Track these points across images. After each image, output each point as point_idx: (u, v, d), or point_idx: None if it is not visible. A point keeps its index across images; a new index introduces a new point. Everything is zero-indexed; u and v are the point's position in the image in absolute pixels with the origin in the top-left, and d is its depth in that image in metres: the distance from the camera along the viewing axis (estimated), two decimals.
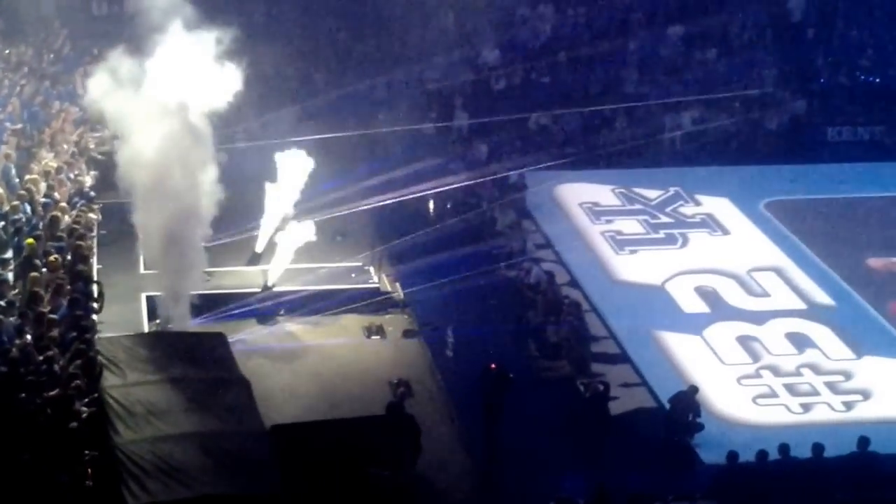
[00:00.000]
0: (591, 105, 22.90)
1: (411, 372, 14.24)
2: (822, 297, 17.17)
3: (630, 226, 19.47)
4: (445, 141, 21.38)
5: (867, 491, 12.40)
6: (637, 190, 20.74)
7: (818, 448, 12.45)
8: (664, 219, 19.82)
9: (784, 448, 12.42)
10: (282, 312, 15.53)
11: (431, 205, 19.08)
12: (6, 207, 14.64)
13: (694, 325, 16.24)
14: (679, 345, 15.71)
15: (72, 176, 16.55)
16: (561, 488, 12.45)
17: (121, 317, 14.32)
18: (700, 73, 24.02)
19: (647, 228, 19.47)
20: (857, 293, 17.28)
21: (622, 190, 20.79)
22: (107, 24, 22.93)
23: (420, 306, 15.94)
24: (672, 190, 20.74)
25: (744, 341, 15.84)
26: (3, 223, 14.32)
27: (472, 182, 19.82)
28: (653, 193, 20.65)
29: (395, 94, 22.20)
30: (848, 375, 15.08)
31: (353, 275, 16.39)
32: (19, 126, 17.82)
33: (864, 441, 12.51)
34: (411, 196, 18.48)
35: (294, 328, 15.34)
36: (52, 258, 13.38)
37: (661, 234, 19.30)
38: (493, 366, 13.10)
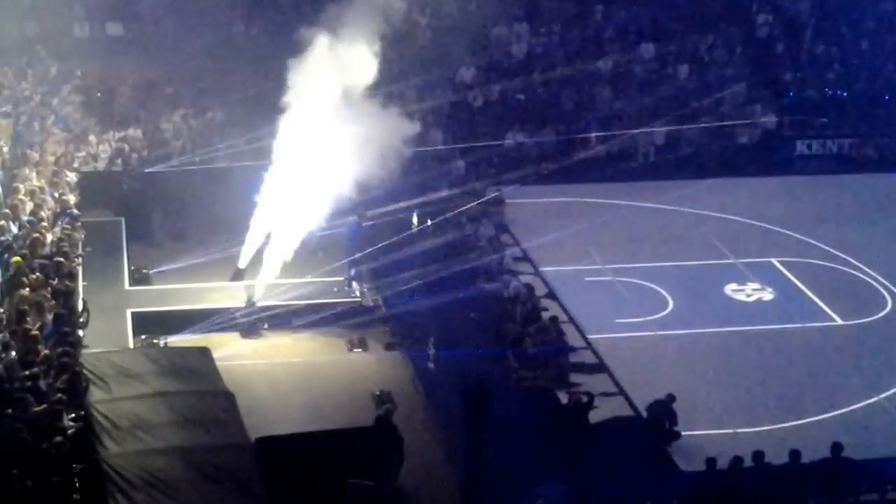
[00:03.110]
0: (565, 121, 23.31)
1: (393, 384, 14.41)
2: None
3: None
4: (424, 158, 21.68)
5: (840, 496, 12.70)
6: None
7: (793, 454, 12.77)
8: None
9: (758, 455, 12.71)
10: (265, 326, 15.73)
11: (415, 219, 19.36)
12: None
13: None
14: (655, 352, 16.05)
15: (56, 195, 16.69)
16: (541, 497, 12.67)
17: (106, 333, 14.46)
18: (672, 89, 24.50)
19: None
20: None
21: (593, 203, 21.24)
22: (89, 45, 23.18)
23: (401, 320, 16.16)
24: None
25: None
26: None
27: (451, 198, 20.17)
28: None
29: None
30: None
31: (336, 289, 16.61)
32: (4, 147, 17.97)
33: (837, 447, 12.84)
34: (392, 213, 18.78)
35: (277, 342, 15.52)
36: (33, 276, 13.50)
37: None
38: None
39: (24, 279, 13.45)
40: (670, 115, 23.56)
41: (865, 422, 14.43)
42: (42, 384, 11.55)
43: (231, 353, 14.83)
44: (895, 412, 14.67)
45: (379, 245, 17.70)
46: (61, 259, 14.19)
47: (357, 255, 16.68)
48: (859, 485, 12.78)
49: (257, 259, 16.70)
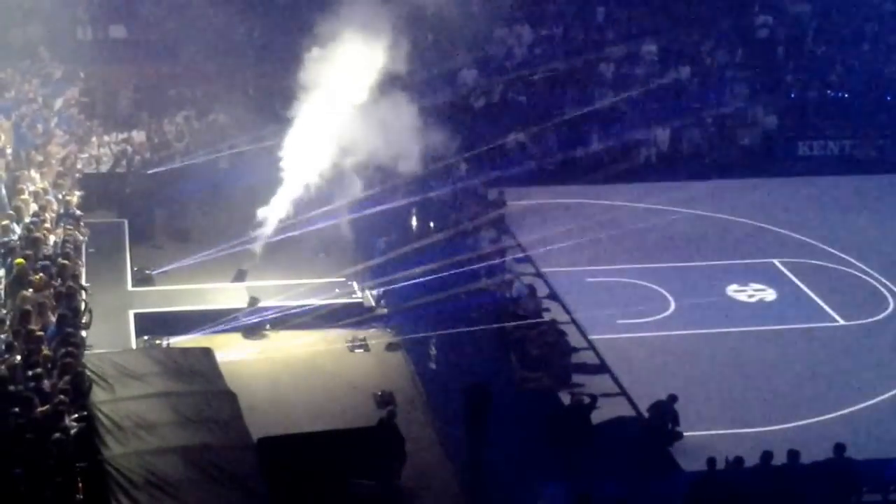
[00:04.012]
0: (566, 123, 23.34)
1: (395, 384, 14.47)
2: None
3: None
4: (425, 159, 21.72)
5: (843, 497, 12.72)
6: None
7: (794, 454, 12.79)
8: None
9: (766, 455, 12.70)
10: (268, 327, 15.77)
11: (414, 221, 19.41)
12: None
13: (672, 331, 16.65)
14: (657, 353, 16.08)
15: (59, 196, 16.75)
16: (543, 498, 12.70)
17: (109, 334, 14.48)
18: (674, 90, 24.53)
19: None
20: None
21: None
22: (92, 47, 23.26)
23: (402, 320, 16.21)
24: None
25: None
26: None
27: (452, 199, 20.21)
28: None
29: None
30: None
31: (337, 290, 16.66)
32: (8, 148, 18.03)
33: (839, 448, 12.86)
34: (393, 213, 18.84)
35: (279, 342, 15.55)
36: (37, 277, 13.54)
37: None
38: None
39: (28, 280, 13.50)
40: (672, 117, 23.59)
41: (868, 422, 14.44)
42: (45, 384, 11.59)
43: (233, 353, 14.90)
44: None
45: (380, 246, 17.79)
46: (66, 261, 14.24)
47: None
48: (862, 486, 12.79)
49: (261, 260, 16.77)
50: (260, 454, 11.56)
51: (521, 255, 19.20)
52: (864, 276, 18.85)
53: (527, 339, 15.69)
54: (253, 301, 15.92)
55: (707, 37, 25.81)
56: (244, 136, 20.38)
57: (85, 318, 13.76)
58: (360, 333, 15.79)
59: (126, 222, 18.60)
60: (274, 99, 22.49)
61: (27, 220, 15.27)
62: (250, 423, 12.12)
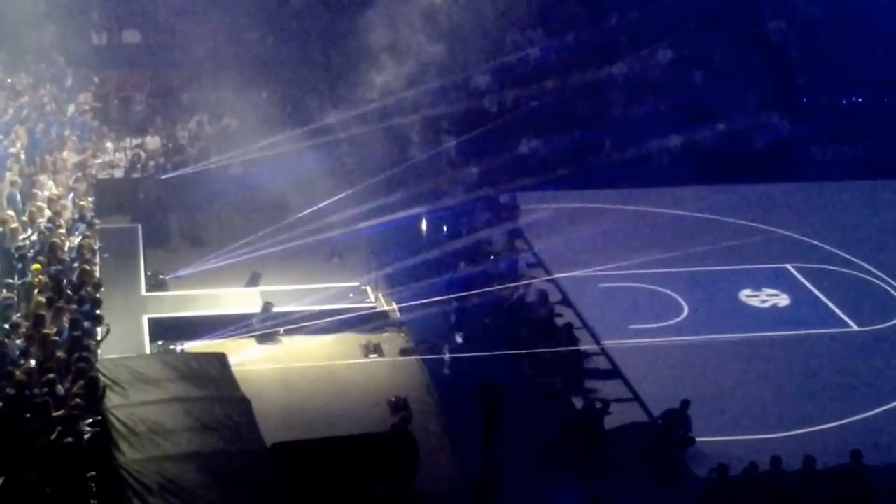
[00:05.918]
0: (579, 127, 23.33)
1: (409, 389, 14.47)
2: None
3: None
4: (439, 164, 21.75)
5: (860, 503, 12.70)
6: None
7: (809, 461, 12.75)
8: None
9: (775, 460, 12.69)
10: (281, 332, 15.81)
11: (424, 226, 19.45)
12: (12, 232, 14.93)
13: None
14: (669, 358, 16.05)
15: (74, 201, 16.84)
16: (556, 502, 12.71)
17: (123, 338, 14.55)
18: (687, 94, 24.48)
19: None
20: None
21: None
22: (106, 52, 23.40)
23: (416, 325, 16.24)
24: None
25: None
26: (10, 247, 14.59)
27: (465, 203, 20.23)
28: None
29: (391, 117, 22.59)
30: None
31: (351, 295, 16.70)
32: (22, 153, 18.14)
33: (856, 454, 12.81)
34: (406, 218, 18.88)
35: (293, 347, 15.59)
36: (37, 279, 13.59)
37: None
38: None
39: (42, 285, 13.59)
40: (685, 121, 23.54)
41: (883, 429, 14.39)
42: (59, 389, 11.66)
43: (247, 358, 14.93)
44: None
45: (394, 252, 17.84)
46: (86, 266, 14.32)
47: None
48: (879, 492, 12.74)
49: (273, 264, 16.81)
50: (273, 460, 11.55)
51: (533, 259, 19.20)
52: (877, 282, 18.79)
53: (539, 344, 15.68)
54: (267, 306, 15.97)
55: (720, 41, 25.74)
56: (257, 140, 20.43)
57: (101, 332, 13.78)
58: (374, 339, 15.82)
59: (140, 227, 18.68)
60: (286, 104, 22.63)
61: (42, 225, 15.36)
62: (264, 429, 12.09)
